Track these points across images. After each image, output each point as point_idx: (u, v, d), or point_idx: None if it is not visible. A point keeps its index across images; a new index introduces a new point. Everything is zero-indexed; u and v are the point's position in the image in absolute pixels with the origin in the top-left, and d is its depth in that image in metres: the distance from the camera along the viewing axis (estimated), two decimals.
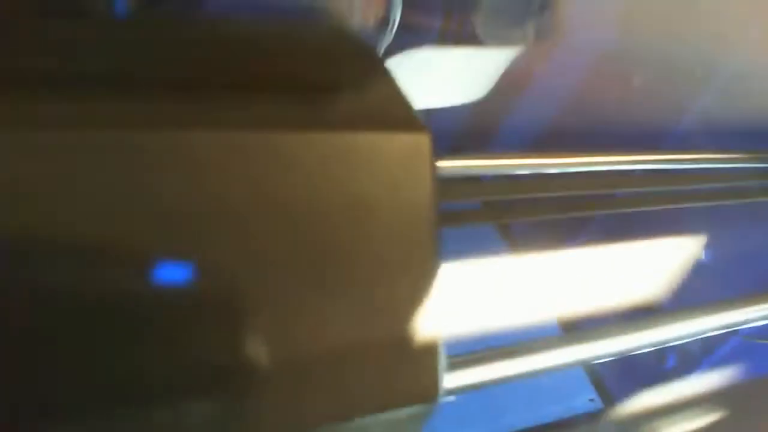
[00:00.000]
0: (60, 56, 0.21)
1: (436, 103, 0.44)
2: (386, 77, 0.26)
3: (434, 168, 0.23)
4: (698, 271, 0.63)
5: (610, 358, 0.30)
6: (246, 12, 0.29)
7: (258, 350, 0.20)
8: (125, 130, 0.18)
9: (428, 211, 0.23)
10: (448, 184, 0.36)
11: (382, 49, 0.40)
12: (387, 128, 0.23)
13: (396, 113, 0.24)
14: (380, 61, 0.27)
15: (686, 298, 0.62)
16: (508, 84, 0.46)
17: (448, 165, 0.35)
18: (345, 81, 0.25)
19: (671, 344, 0.31)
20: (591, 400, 0.67)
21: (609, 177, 0.45)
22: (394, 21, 0.40)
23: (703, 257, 0.64)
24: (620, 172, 0.46)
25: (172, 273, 0.19)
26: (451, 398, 0.25)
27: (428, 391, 0.23)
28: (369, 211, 0.22)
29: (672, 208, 0.46)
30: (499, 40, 0.43)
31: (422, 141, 0.23)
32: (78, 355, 0.17)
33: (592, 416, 0.66)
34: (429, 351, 0.23)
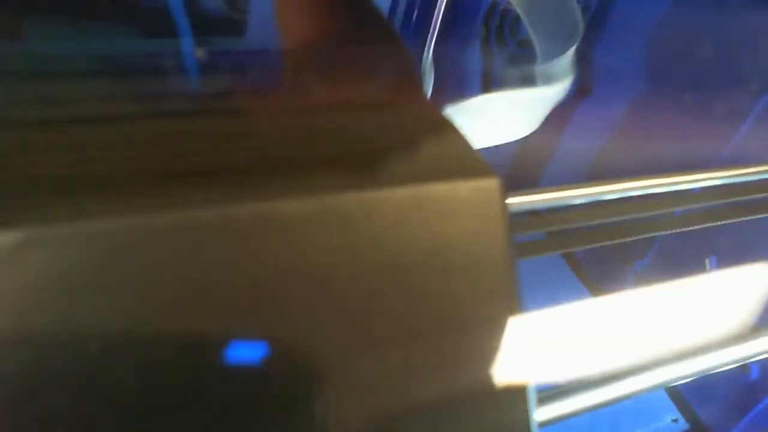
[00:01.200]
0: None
1: (489, 143, 0.46)
2: (453, 131, 0.27)
3: (506, 209, 0.24)
4: None
5: (697, 377, 0.31)
6: None
7: (347, 411, 0.20)
8: (212, 207, 0.19)
9: (505, 251, 0.23)
10: (514, 218, 0.38)
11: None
12: (458, 177, 0.24)
13: (465, 162, 0.25)
14: (445, 116, 0.28)
15: None
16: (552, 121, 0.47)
17: (513, 201, 0.36)
18: (417, 141, 0.26)
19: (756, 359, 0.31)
20: (674, 420, 0.66)
21: (665, 198, 0.46)
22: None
23: None
24: (677, 192, 0.46)
25: (258, 347, 0.19)
26: None
27: None
28: (450, 258, 0.22)
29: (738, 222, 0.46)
30: (550, 80, 0.44)
31: (493, 185, 0.24)
32: None
33: None
34: (519, 395, 0.23)
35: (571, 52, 0.44)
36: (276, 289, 0.19)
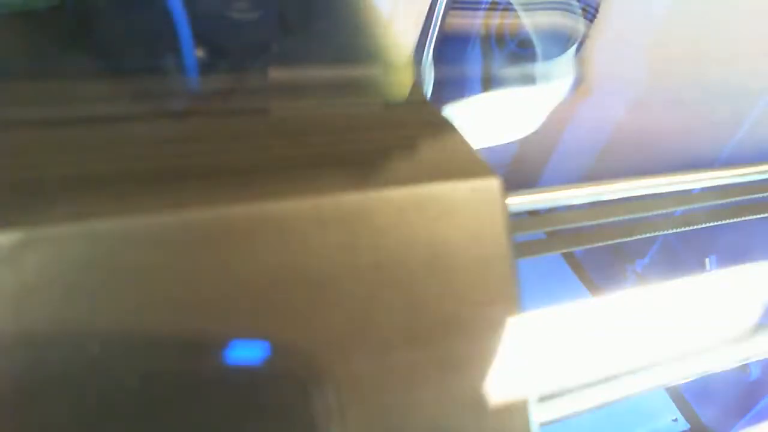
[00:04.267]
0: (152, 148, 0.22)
1: (489, 143, 0.46)
2: (453, 131, 0.27)
3: (506, 209, 0.24)
4: None
5: (697, 377, 0.31)
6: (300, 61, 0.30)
7: (348, 412, 0.20)
8: (211, 208, 0.19)
9: (505, 251, 0.24)
10: (514, 218, 0.38)
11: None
12: (458, 177, 0.24)
13: (465, 162, 0.25)
14: (446, 119, 0.28)
15: None
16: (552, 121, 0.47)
17: (513, 201, 0.36)
18: (417, 141, 0.26)
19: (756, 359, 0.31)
20: (674, 420, 0.66)
21: (665, 198, 0.46)
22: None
23: None
24: (677, 192, 0.46)
25: (259, 347, 0.19)
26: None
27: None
28: (450, 258, 0.22)
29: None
30: (550, 79, 0.45)
31: (493, 185, 0.24)
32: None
33: None
34: (519, 394, 0.23)
35: (571, 52, 0.44)
36: (276, 289, 0.19)
